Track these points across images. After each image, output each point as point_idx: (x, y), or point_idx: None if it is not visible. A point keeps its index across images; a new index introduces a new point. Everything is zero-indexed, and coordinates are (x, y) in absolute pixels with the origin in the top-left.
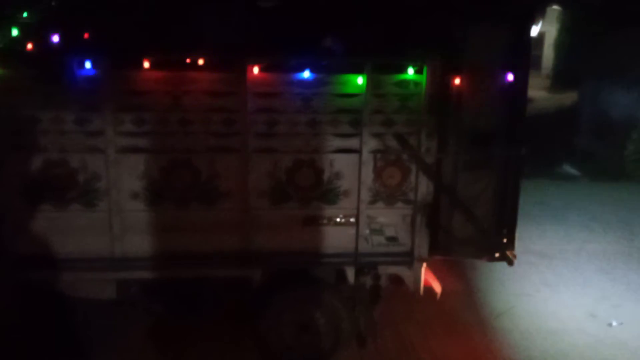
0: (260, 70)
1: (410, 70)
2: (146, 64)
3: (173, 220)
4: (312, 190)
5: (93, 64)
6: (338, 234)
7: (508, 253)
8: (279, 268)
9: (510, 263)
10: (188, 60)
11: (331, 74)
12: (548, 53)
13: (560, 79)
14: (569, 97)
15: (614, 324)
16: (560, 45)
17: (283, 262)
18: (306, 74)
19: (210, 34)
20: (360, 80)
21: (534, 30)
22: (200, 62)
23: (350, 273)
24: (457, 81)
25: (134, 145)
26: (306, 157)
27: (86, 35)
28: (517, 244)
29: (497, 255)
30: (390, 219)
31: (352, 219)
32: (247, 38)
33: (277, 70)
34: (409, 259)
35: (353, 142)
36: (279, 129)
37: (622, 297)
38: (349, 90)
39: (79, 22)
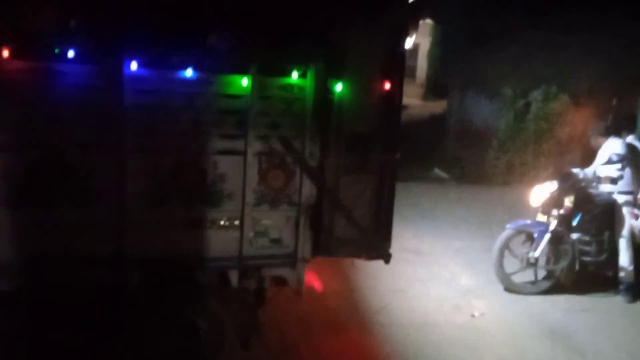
0: (139, 65)
1: (295, 75)
2: (5, 53)
3: (41, 221)
4: (194, 192)
5: None
6: (222, 237)
7: (385, 252)
8: (159, 273)
9: (387, 261)
10: (56, 51)
11: (215, 73)
12: (422, 64)
13: (433, 89)
14: (440, 106)
15: (476, 314)
16: (432, 57)
17: (163, 267)
18: (189, 72)
19: (83, 24)
20: (245, 81)
21: (409, 42)
22: (71, 53)
23: (234, 276)
24: (338, 87)
25: None
26: (189, 158)
27: None
28: (393, 242)
29: (375, 254)
30: (275, 221)
31: (236, 222)
32: (125, 31)
33: (158, 66)
34: (293, 260)
35: (238, 144)
36: (159, 128)
37: (484, 290)
38: (234, 91)
39: None
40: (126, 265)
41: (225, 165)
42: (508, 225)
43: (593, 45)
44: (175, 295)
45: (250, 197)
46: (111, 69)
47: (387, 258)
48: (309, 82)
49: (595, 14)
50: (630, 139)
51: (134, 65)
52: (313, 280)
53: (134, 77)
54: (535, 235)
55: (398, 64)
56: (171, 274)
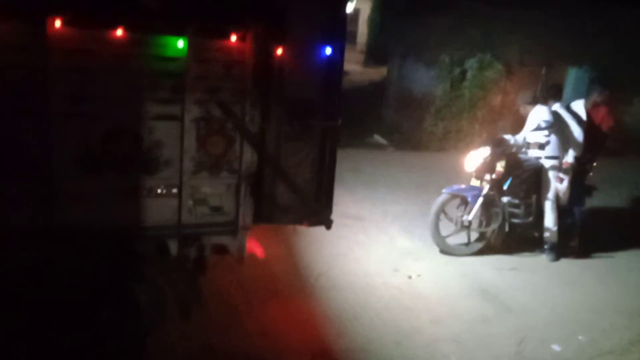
0: (64, 24)
1: (234, 37)
2: None
3: None
4: (129, 159)
5: None
6: (159, 206)
7: (326, 218)
8: (94, 245)
9: (328, 227)
10: None
11: (149, 34)
12: (362, 29)
13: (373, 55)
14: (380, 72)
15: (413, 276)
16: (372, 23)
17: (98, 238)
18: (119, 32)
19: None
20: (180, 43)
21: (350, 7)
22: None
23: (173, 246)
24: (279, 51)
25: None
26: (122, 123)
27: None
28: (334, 209)
29: (316, 220)
30: (215, 189)
31: (174, 190)
32: None
33: (85, 25)
34: (234, 228)
35: (174, 109)
36: (89, 92)
37: (420, 252)
38: (169, 53)
39: None
40: (57, 239)
41: (162, 131)
42: (443, 190)
43: (525, 16)
44: (111, 267)
45: (188, 165)
46: (33, 26)
47: (328, 224)
48: (248, 46)
49: None
50: (556, 106)
51: (58, 23)
52: (254, 247)
53: (59, 36)
54: (469, 199)
55: (339, 30)
56: (106, 246)
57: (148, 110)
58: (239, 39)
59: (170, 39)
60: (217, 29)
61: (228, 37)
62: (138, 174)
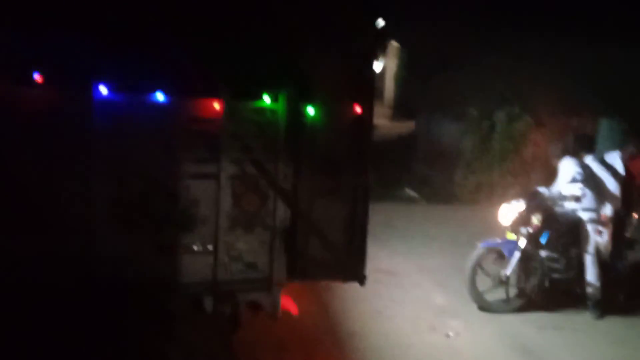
0: (109, 89)
1: (267, 98)
2: None
3: (3, 252)
4: (166, 217)
5: None
6: (195, 263)
7: (359, 273)
8: (130, 301)
9: (362, 283)
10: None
11: (187, 97)
12: (389, 85)
13: (400, 109)
14: (407, 126)
15: (451, 334)
16: (399, 79)
17: (135, 295)
18: (160, 97)
19: (52, 47)
20: (217, 105)
21: (378, 66)
22: (37, 77)
23: (208, 302)
24: (310, 111)
25: None
26: (160, 182)
27: None
28: (367, 263)
29: (349, 276)
30: (249, 245)
31: (210, 247)
32: (94, 54)
33: (128, 90)
34: (268, 284)
35: (211, 168)
36: (129, 153)
37: (457, 309)
38: (206, 114)
39: None
40: (93, 295)
41: (198, 189)
42: (479, 244)
43: (552, 67)
44: (145, 324)
45: (223, 221)
46: (80, 93)
47: (362, 280)
48: (281, 106)
49: (555, 38)
50: (588, 159)
51: (103, 90)
52: (288, 304)
53: (103, 100)
54: (506, 253)
55: (368, 89)
56: (142, 302)
57: (185, 170)
58: (272, 99)
59: (207, 102)
60: (251, 91)
61: (261, 98)
62: (175, 231)
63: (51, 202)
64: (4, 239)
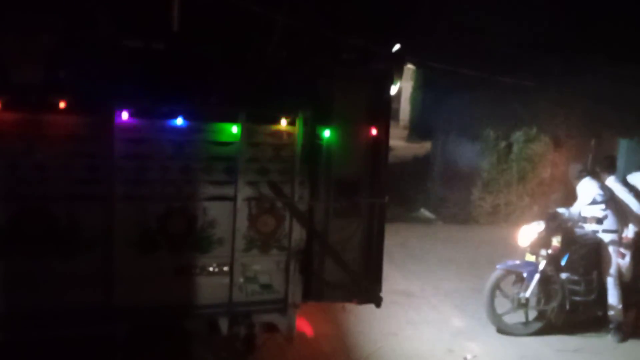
0: (130, 115)
1: (284, 122)
2: None
3: (27, 274)
4: (184, 238)
5: None
6: (211, 284)
7: (375, 295)
8: (146, 323)
9: (378, 305)
10: (48, 102)
11: (205, 121)
12: (405, 106)
13: (416, 130)
14: (423, 147)
15: (469, 357)
16: (415, 101)
17: (151, 316)
18: (179, 121)
19: (74, 74)
20: (234, 129)
21: (394, 89)
22: (62, 104)
23: (223, 324)
24: (326, 133)
25: None
26: (178, 204)
27: None
28: (383, 285)
29: (365, 297)
30: (265, 266)
31: (225, 268)
32: (116, 81)
33: (148, 116)
34: (283, 305)
35: (227, 190)
36: (149, 176)
37: (475, 331)
38: (224, 138)
39: None
40: (114, 316)
41: (215, 211)
42: (498, 266)
43: (569, 88)
44: (162, 345)
45: (240, 243)
46: (102, 119)
47: (378, 301)
48: (297, 129)
49: (573, 58)
50: (610, 180)
51: (124, 115)
52: (304, 325)
53: (125, 126)
54: (525, 275)
55: (384, 111)
56: (159, 323)
57: (203, 192)
58: (288, 123)
59: (225, 126)
60: (268, 115)
61: (278, 122)
62: (192, 252)
63: (71, 225)
64: (27, 263)
